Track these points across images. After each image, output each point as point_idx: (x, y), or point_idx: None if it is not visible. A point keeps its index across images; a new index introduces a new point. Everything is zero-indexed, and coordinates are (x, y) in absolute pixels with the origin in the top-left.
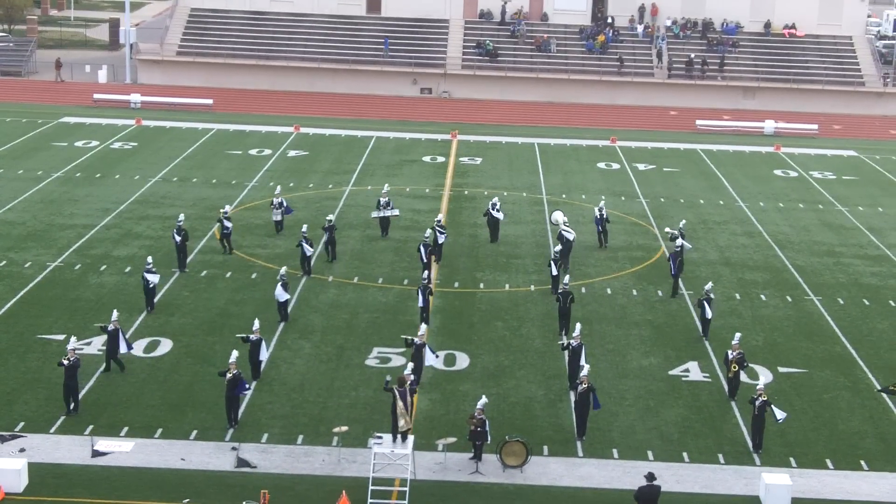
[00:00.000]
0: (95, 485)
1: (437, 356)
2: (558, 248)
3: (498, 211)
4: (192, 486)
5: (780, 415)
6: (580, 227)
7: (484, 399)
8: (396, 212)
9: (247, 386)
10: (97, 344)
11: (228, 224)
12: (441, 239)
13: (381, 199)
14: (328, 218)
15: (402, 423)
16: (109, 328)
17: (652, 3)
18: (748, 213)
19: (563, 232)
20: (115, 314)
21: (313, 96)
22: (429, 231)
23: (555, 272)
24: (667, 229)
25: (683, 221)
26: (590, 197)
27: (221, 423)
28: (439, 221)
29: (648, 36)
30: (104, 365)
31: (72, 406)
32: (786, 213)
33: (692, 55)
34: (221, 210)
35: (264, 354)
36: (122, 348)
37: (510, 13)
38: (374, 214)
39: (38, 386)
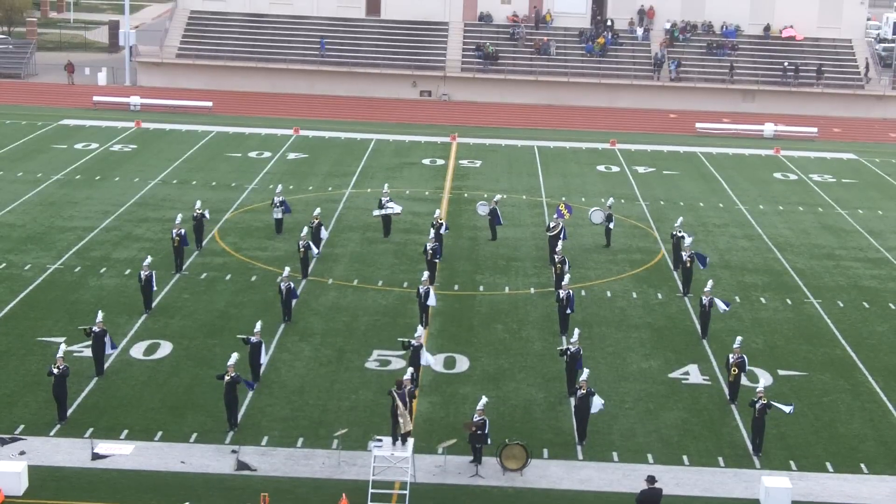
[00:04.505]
0: (95, 488)
1: (428, 362)
2: (559, 247)
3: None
4: (191, 489)
5: (786, 409)
6: (580, 229)
7: (484, 399)
8: (398, 209)
9: (251, 385)
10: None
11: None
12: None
13: (383, 198)
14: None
15: (402, 423)
16: (96, 330)
17: (650, 6)
18: (748, 215)
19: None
20: (99, 316)
21: (313, 99)
22: (432, 232)
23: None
24: (681, 233)
25: (681, 219)
26: (589, 200)
27: (221, 426)
28: (437, 218)
29: (658, 47)
30: (95, 369)
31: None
32: (785, 216)
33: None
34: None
35: (264, 358)
36: (108, 349)
37: (508, 16)
38: (376, 213)
39: (38, 388)
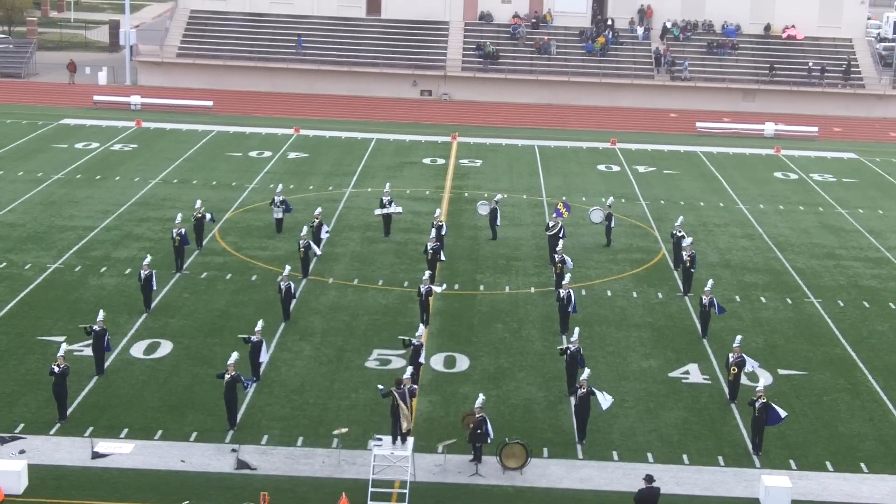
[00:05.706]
0: (95, 487)
1: (420, 362)
2: (560, 246)
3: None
4: (191, 488)
5: (782, 413)
6: (579, 228)
7: (482, 397)
8: (399, 209)
9: (246, 385)
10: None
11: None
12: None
13: (384, 197)
14: (197, 206)
15: (403, 424)
16: (96, 328)
17: (648, 5)
18: (748, 215)
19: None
20: (100, 315)
21: (313, 98)
22: (433, 232)
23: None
24: (681, 233)
25: (681, 218)
26: (590, 199)
27: (221, 425)
28: (438, 218)
29: (658, 52)
30: (95, 368)
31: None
32: (786, 216)
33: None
34: (197, 208)
35: (264, 357)
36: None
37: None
38: (378, 212)
39: (38, 388)
